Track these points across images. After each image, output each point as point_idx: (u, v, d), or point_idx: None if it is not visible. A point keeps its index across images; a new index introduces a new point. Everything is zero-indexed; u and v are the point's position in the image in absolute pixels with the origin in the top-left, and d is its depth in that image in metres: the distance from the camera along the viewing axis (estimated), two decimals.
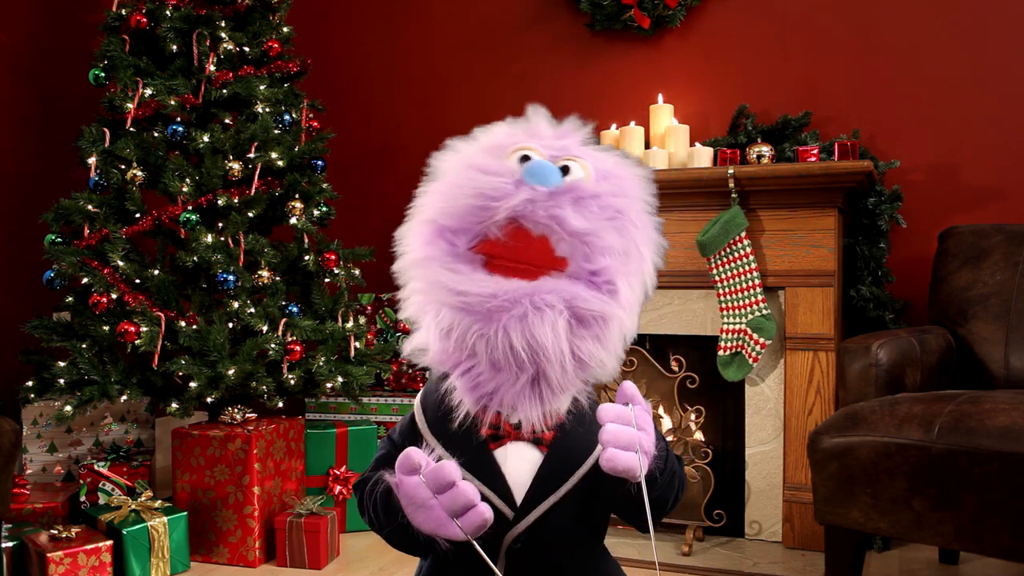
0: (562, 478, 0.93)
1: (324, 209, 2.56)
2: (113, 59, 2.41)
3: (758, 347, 2.35)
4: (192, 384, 2.21)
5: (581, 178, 0.89)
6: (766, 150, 2.44)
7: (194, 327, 2.24)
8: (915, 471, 1.55)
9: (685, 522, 2.44)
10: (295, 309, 2.39)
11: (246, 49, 2.54)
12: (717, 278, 2.40)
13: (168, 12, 2.43)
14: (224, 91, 2.43)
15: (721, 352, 2.41)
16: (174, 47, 2.44)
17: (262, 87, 2.46)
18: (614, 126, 2.76)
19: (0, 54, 2.80)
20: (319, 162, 2.57)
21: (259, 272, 2.36)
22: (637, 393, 0.89)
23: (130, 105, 2.35)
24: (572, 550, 0.98)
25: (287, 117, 2.51)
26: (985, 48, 2.51)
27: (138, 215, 2.35)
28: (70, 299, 2.34)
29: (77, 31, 3.00)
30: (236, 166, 2.34)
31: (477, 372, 0.86)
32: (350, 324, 2.51)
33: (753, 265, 2.36)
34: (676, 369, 2.46)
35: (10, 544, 2.04)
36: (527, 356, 0.83)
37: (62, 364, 2.24)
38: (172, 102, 2.36)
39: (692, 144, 2.64)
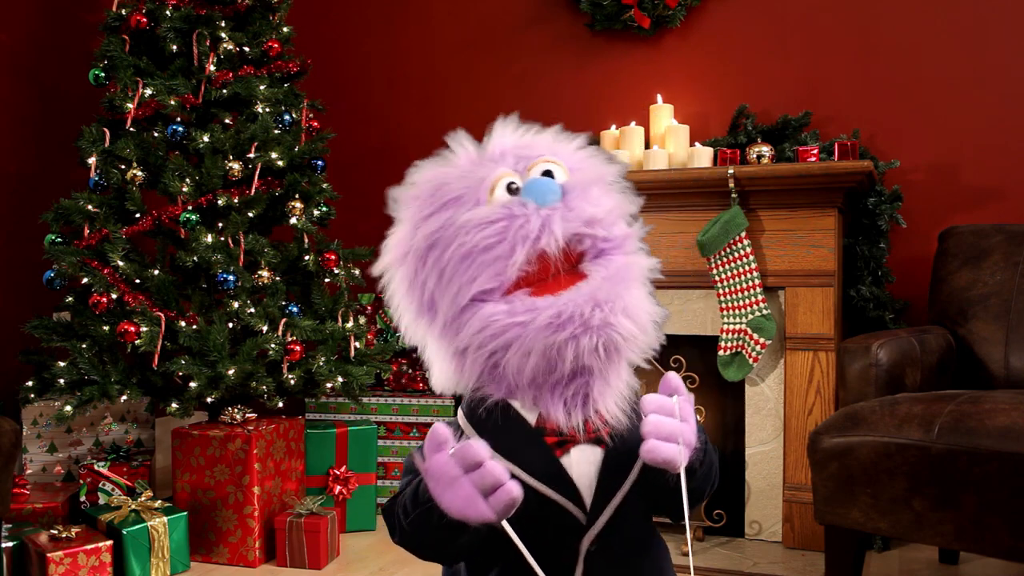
0: (624, 472, 0.93)
1: (324, 209, 2.56)
2: (113, 59, 2.41)
3: (758, 347, 2.35)
4: (192, 384, 2.21)
5: (562, 175, 0.91)
6: (766, 150, 2.44)
7: (194, 327, 2.24)
8: (915, 471, 1.55)
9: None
10: (295, 309, 2.39)
11: (246, 49, 2.54)
12: (717, 278, 2.40)
13: (168, 12, 2.43)
14: (224, 91, 2.43)
15: (721, 352, 2.41)
16: (174, 47, 2.44)
17: (262, 87, 2.46)
18: (614, 126, 2.76)
19: (0, 54, 2.80)
20: (319, 162, 2.58)
21: (259, 272, 2.36)
22: (681, 384, 0.91)
23: (130, 105, 2.35)
24: (643, 547, 0.98)
25: (287, 117, 2.51)
26: (985, 48, 2.51)
27: (138, 215, 2.35)
28: (70, 299, 2.34)
29: (77, 31, 3.00)
30: (236, 166, 2.34)
31: (536, 385, 0.88)
32: (350, 324, 2.51)
33: (753, 265, 2.36)
34: (676, 369, 2.46)
35: (10, 544, 2.04)
36: (600, 358, 0.86)
37: (62, 364, 2.24)
38: (172, 102, 2.36)
39: (692, 144, 2.63)
